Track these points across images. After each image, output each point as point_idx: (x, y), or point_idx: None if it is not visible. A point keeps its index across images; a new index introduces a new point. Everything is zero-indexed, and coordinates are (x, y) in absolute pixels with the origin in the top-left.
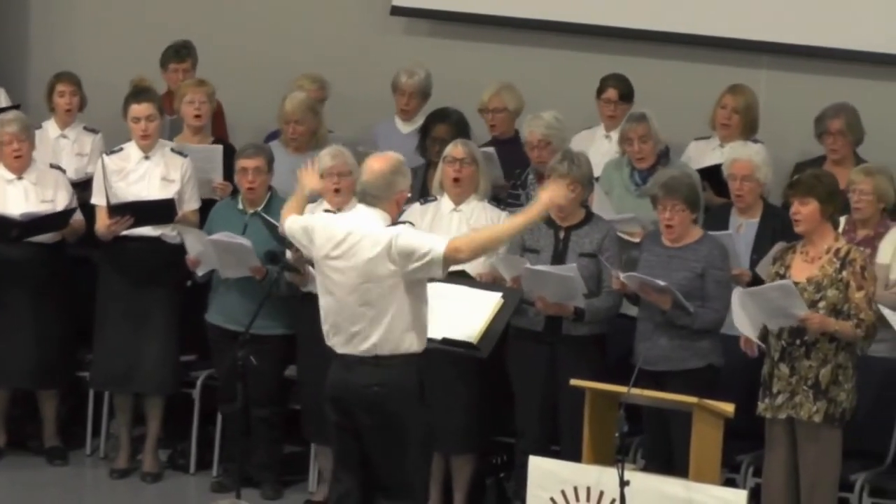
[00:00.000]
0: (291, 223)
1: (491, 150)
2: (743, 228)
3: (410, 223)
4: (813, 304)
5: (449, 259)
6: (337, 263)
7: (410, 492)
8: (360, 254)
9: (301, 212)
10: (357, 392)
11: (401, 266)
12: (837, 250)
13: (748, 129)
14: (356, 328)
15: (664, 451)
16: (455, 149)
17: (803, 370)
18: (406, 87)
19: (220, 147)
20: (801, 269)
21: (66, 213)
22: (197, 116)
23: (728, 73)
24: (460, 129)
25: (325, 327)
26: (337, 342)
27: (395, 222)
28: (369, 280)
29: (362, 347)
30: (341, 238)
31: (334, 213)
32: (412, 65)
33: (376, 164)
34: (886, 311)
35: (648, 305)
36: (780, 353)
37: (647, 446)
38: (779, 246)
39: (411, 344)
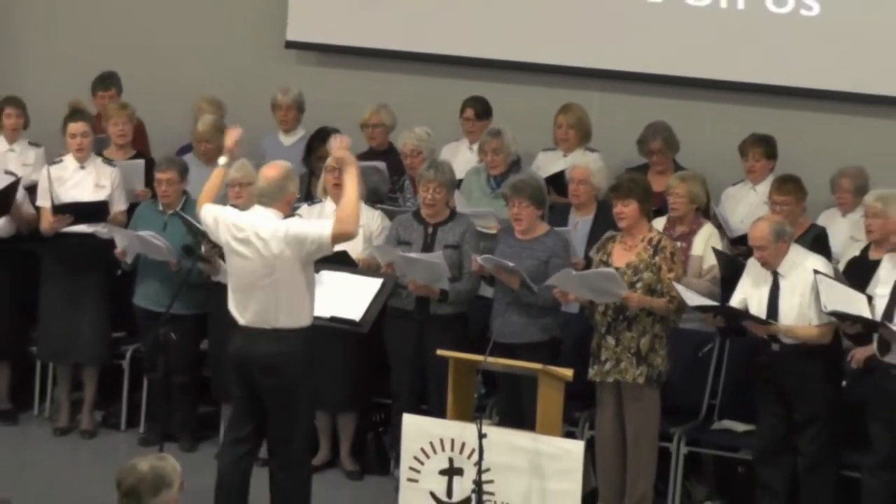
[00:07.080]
0: (206, 212)
1: (382, 164)
2: (579, 225)
3: (299, 215)
4: (632, 285)
5: (336, 237)
6: (240, 249)
7: (297, 439)
8: (259, 242)
9: (215, 192)
10: (258, 360)
11: (296, 250)
12: (651, 239)
13: (584, 138)
14: (257, 304)
15: (516, 409)
16: (333, 161)
17: (626, 340)
18: (282, 102)
19: (142, 162)
20: (621, 255)
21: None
22: (121, 135)
23: (567, 95)
24: None
25: (231, 302)
26: (240, 315)
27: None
28: (267, 264)
29: (262, 321)
30: (244, 228)
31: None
32: (284, 85)
33: (270, 172)
34: (680, 288)
35: (502, 287)
36: (606, 327)
37: (500, 406)
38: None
39: (302, 318)
